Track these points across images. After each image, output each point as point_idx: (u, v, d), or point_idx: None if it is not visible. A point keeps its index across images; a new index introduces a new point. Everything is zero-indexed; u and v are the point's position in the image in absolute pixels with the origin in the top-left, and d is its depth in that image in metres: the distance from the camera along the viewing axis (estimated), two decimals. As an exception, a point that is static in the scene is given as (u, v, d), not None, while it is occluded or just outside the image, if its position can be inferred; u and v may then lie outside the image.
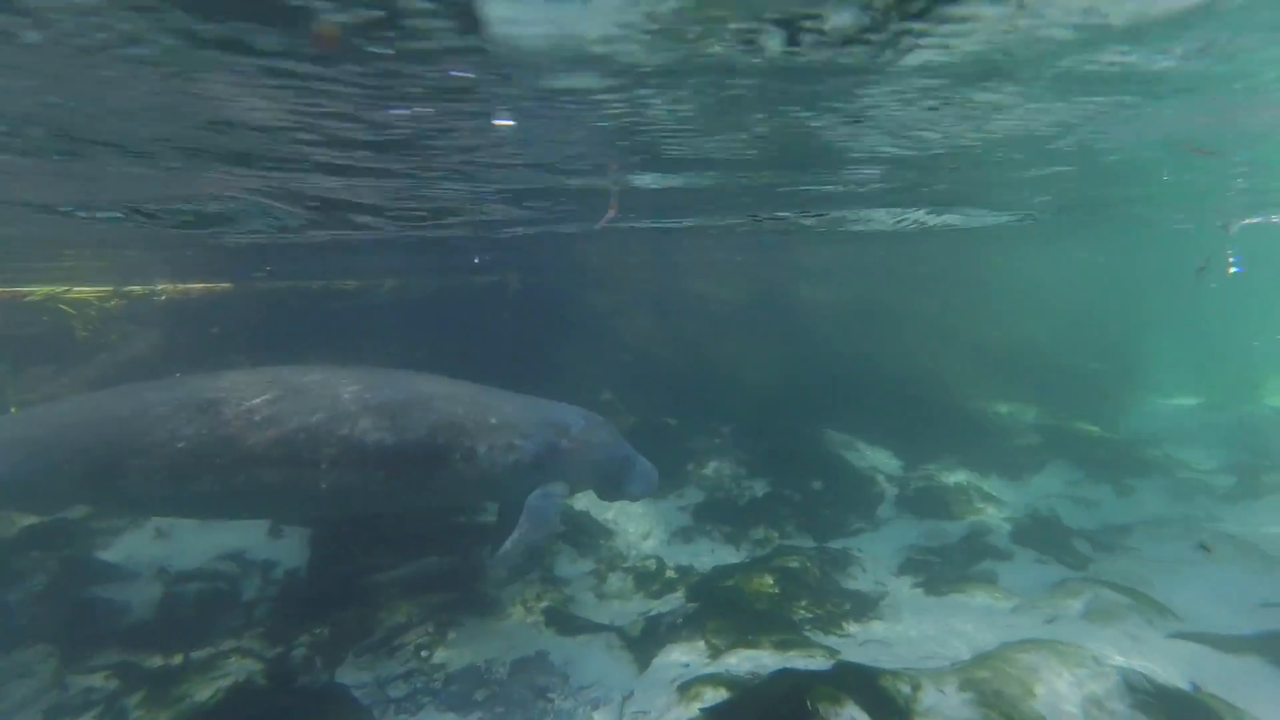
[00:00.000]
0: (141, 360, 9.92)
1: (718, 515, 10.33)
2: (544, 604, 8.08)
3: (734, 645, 6.88)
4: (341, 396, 6.35)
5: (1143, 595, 7.54)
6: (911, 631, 7.39)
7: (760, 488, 11.07)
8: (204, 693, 5.92)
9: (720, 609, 7.65)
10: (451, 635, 7.55)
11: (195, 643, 7.00)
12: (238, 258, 10.08)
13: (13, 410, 9.31)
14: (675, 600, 8.12)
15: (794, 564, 8.70)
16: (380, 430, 6.29)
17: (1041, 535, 9.74)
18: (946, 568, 9.07)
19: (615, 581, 8.73)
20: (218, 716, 5.71)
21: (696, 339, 15.21)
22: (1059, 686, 5.56)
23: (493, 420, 6.88)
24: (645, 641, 7.35)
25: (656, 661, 6.96)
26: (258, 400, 6.18)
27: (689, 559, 9.39)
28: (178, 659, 6.70)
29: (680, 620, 7.50)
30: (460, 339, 12.14)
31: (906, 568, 9.10)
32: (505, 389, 7.68)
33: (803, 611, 7.86)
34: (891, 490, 11.40)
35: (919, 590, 8.47)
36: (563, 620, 7.86)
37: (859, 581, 8.86)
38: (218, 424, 5.98)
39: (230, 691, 5.91)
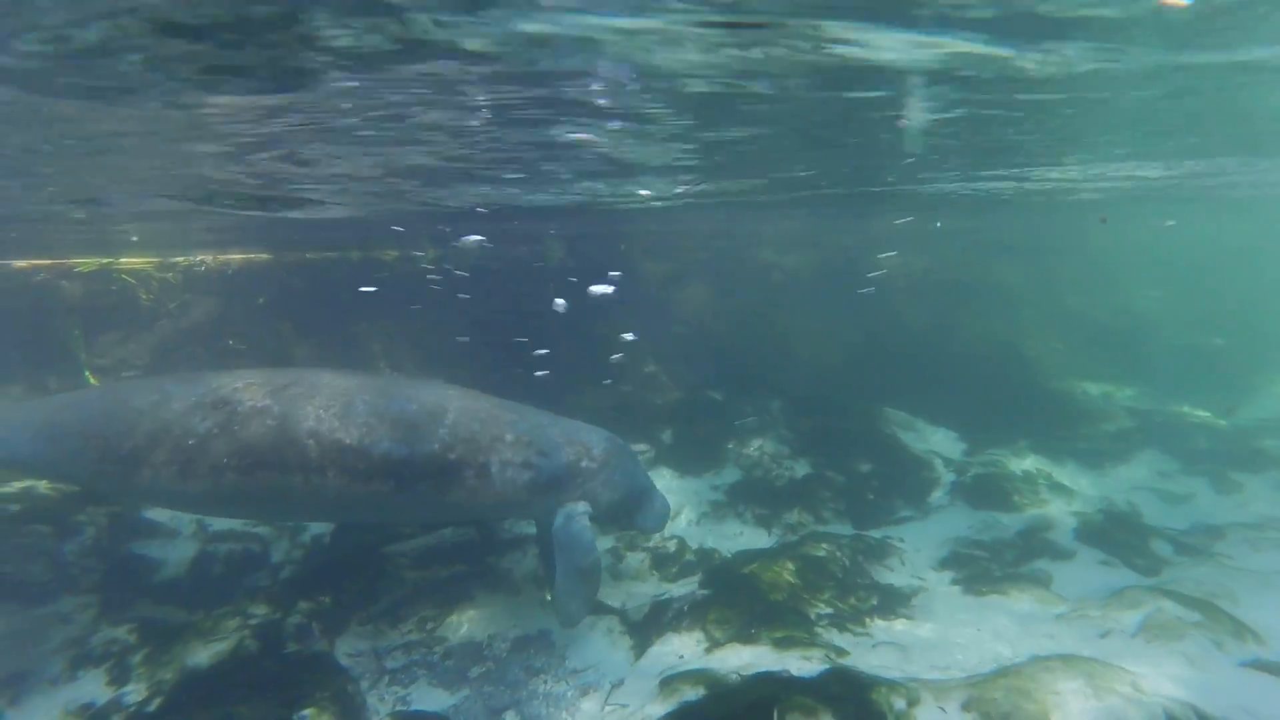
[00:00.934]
0: (199, 327, 10.41)
1: (753, 496, 9.87)
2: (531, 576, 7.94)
3: (733, 639, 6.52)
4: (355, 404, 6.24)
5: (1218, 610, 6.57)
6: (935, 634, 6.78)
7: (802, 469, 10.49)
8: (202, 654, 6.14)
9: (732, 597, 7.27)
10: (459, 608, 7.55)
11: (218, 601, 7.31)
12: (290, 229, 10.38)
13: (88, 376, 10.04)
14: (690, 585, 7.80)
15: (820, 552, 8.18)
16: (392, 441, 6.16)
17: (1113, 534, 8.72)
18: (995, 565, 8.29)
19: (633, 561, 8.50)
20: (209, 678, 5.91)
21: (755, 310, 14.59)
22: (1080, 714, 4.89)
23: (509, 437, 6.70)
24: (647, 627, 7.10)
25: (653, 650, 6.71)
26: (272, 402, 6.12)
27: (715, 541, 9.02)
28: (197, 616, 7.01)
29: (686, 608, 7.19)
30: (502, 312, 12.11)
31: (950, 562, 8.38)
32: (533, 405, 7.53)
33: (822, 605, 7.37)
34: (948, 476, 10.55)
35: (957, 588, 7.77)
36: (572, 599, 7.70)
37: (894, 574, 8.23)
38: (230, 422, 5.97)
39: (226, 655, 6.10)
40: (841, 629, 6.97)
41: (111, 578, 7.56)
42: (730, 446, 11.02)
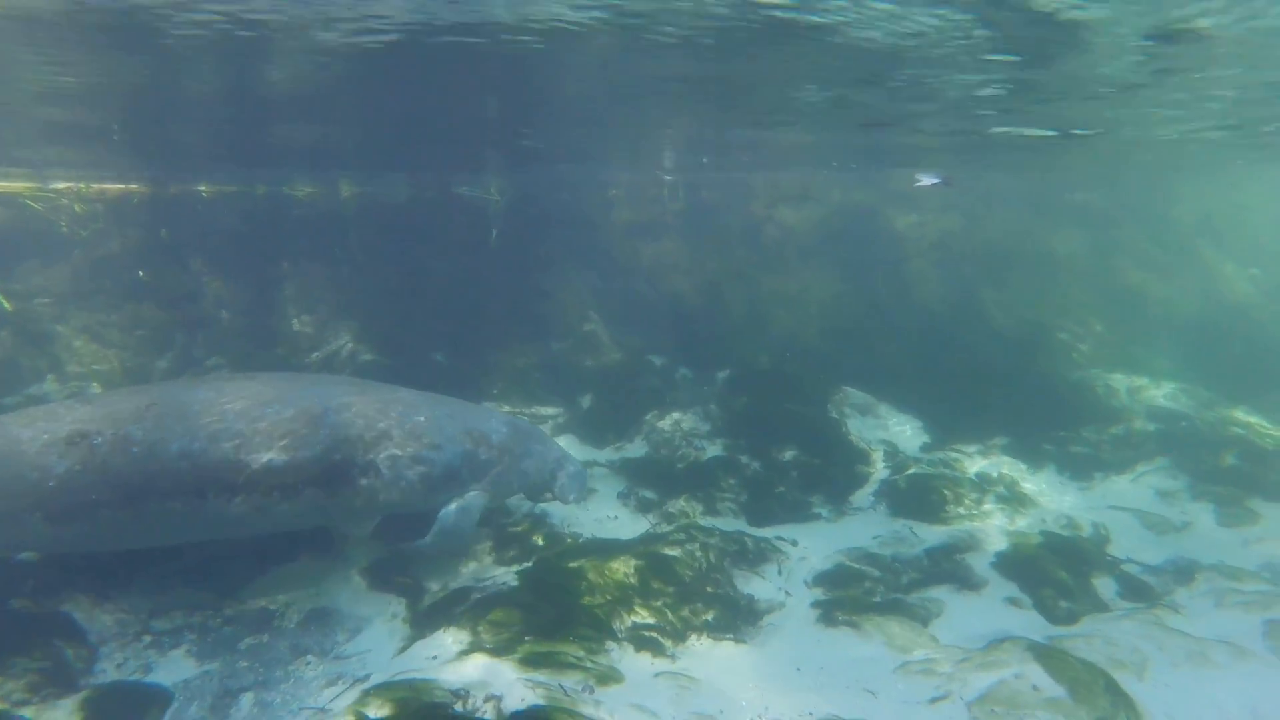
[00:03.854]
0: (114, 258, 10.32)
1: (647, 477, 8.87)
2: (386, 553, 7.35)
3: (492, 647, 5.69)
4: (227, 416, 5.99)
5: (1101, 685, 5.12)
6: (745, 667, 5.71)
7: (714, 450, 9.34)
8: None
9: (532, 596, 6.43)
10: (274, 570, 7.12)
11: None
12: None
13: (2, 301, 10.18)
14: (510, 575, 7.00)
15: (676, 551, 7.15)
16: (270, 450, 5.97)
17: (1047, 564, 7.16)
18: (881, 587, 6.99)
19: (475, 541, 7.75)
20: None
21: (736, 271, 13.21)
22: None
23: (398, 433, 6.52)
24: (433, 617, 6.38)
25: (416, 647, 5.99)
26: (134, 428, 5.76)
27: (581, 524, 8.14)
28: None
29: (476, 602, 6.41)
30: (436, 259, 11.41)
31: (830, 578, 7.14)
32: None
33: (644, 613, 6.41)
34: (884, 473, 9.10)
35: (817, 611, 6.57)
36: (387, 576, 7.09)
37: (761, 585, 7.11)
38: (91, 458, 5.60)
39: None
40: (642, 647, 6.00)
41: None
42: (648, 418, 9.99)
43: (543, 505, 8.14)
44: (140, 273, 10.26)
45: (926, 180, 11.61)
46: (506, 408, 9.99)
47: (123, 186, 10.33)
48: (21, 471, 5.55)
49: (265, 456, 5.94)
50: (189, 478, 5.73)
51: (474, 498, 6.94)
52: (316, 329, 10.49)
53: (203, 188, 9.85)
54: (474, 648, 5.72)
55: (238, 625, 6.49)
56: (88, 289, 10.09)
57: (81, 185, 10.37)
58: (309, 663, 6.10)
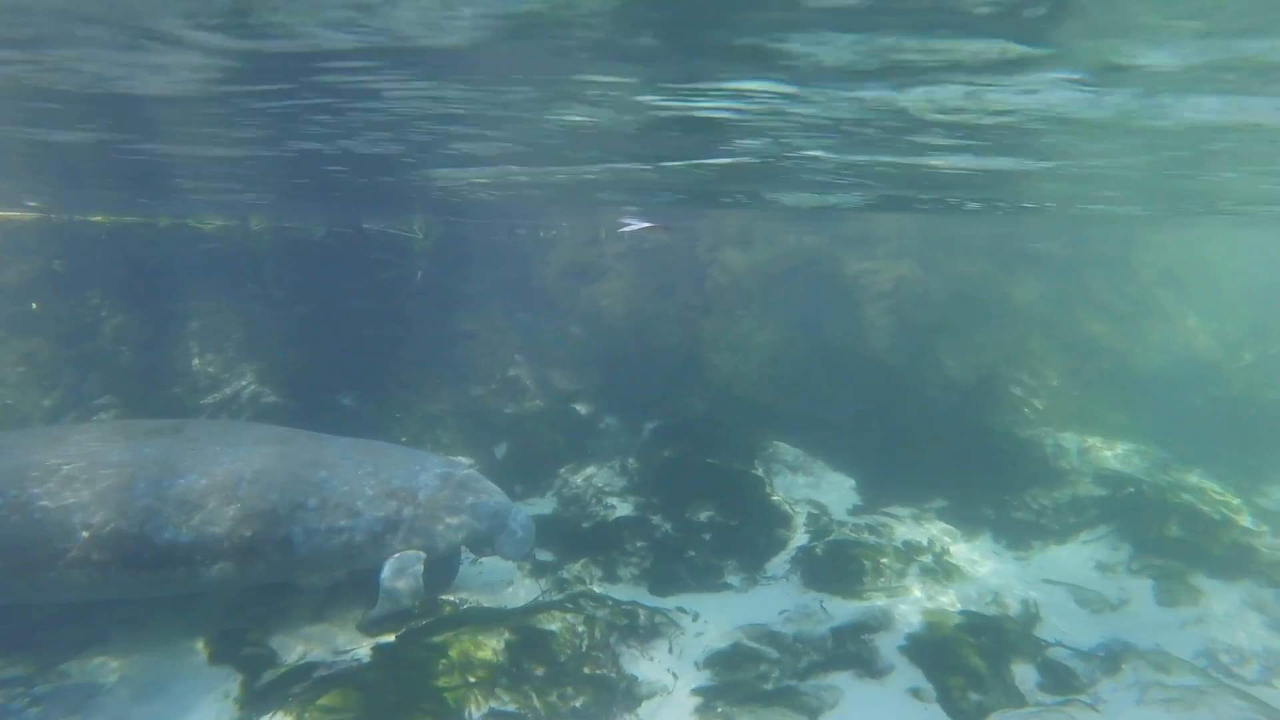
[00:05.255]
0: (8, 288, 9.79)
1: (550, 538, 8.25)
2: (233, 624, 6.69)
3: (310, 742, 5.03)
4: (135, 486, 5.86)
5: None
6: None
7: (625, 509, 8.74)
8: None
9: (387, 674, 5.79)
10: (119, 635, 6.46)
11: None
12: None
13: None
14: (366, 650, 6.34)
15: (555, 625, 6.51)
16: (175, 526, 5.86)
17: (962, 647, 6.53)
18: (776, 671, 6.34)
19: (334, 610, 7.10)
20: None
21: (677, 315, 12.75)
22: None
23: (311, 502, 6.36)
24: (262, 700, 5.71)
25: (234, 736, 5.33)
26: (38, 490, 5.70)
27: (470, 590, 7.50)
28: None
29: (317, 680, 5.76)
30: (355, 299, 10.91)
31: (724, 659, 6.50)
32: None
33: (505, 697, 5.76)
34: (804, 538, 8.50)
35: (697, 700, 5.92)
36: (235, 647, 6.43)
37: (648, 665, 6.47)
38: None
39: None
40: (489, 743, 5.34)
41: None
42: (561, 472, 9.40)
43: (485, 559, 7.70)
44: (33, 304, 9.72)
45: (636, 224, 11.22)
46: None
47: (18, 215, 9.87)
48: None
49: (170, 534, 5.83)
50: (94, 552, 5.67)
51: (408, 558, 6.67)
52: (220, 368, 9.94)
53: (98, 218, 9.42)
54: (290, 745, 5.06)
55: (47, 705, 5.81)
56: (-25, 321, 9.55)
57: (-22, 212, 9.91)
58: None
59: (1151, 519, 9.01)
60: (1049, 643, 6.94)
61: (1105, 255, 17.19)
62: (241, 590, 6.89)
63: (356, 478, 6.65)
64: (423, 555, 6.74)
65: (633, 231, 10.93)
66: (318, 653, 6.47)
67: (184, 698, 5.91)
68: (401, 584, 6.58)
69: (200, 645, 6.43)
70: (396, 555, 6.65)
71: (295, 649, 6.56)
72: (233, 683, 6.00)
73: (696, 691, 6.01)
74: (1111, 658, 6.64)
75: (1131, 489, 9.76)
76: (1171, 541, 8.59)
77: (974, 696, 6.01)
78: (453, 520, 6.90)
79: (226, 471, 6.19)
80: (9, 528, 5.53)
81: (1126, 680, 6.24)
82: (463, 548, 7.23)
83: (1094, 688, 6.22)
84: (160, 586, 5.99)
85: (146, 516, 5.79)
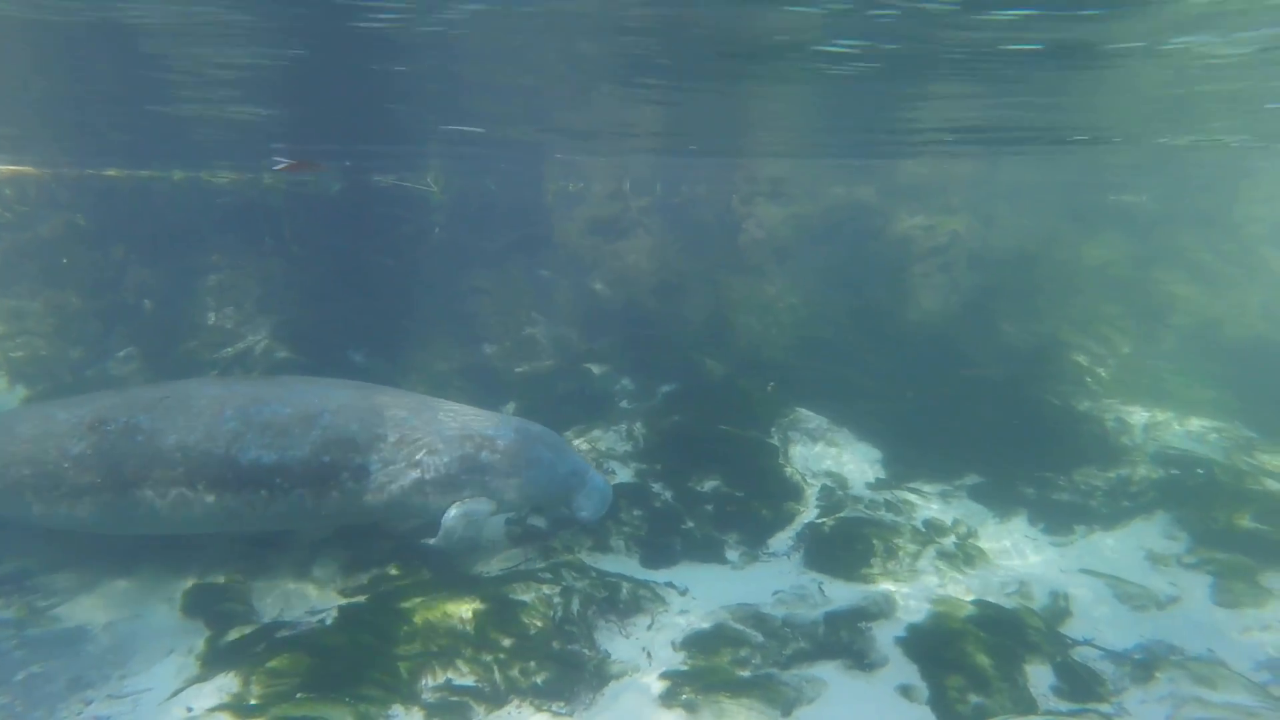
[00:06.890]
0: (44, 244, 10.09)
1: (544, 502, 7.94)
2: (216, 577, 6.70)
3: (248, 705, 4.91)
4: (224, 412, 6.26)
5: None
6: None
7: (626, 474, 8.34)
8: None
9: (348, 638, 5.66)
10: (107, 583, 6.58)
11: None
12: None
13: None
14: (331, 612, 6.22)
15: (527, 595, 6.23)
16: (260, 448, 6.17)
17: (971, 643, 5.88)
18: (759, 657, 5.87)
19: (319, 569, 7.02)
20: None
21: (705, 273, 12.11)
22: None
23: (392, 436, 6.47)
24: (223, 658, 5.66)
25: (187, 693, 5.29)
26: (143, 417, 6.23)
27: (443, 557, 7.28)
28: None
29: (278, 639, 5.67)
30: (371, 254, 10.76)
31: (704, 640, 6.07)
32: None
33: (465, 669, 5.54)
34: (813, 514, 7.90)
35: (665, 684, 5.53)
36: (212, 601, 6.44)
37: (624, 642, 6.12)
38: (102, 443, 6.12)
39: None
40: (437, 713, 5.13)
41: None
42: (568, 434, 9.06)
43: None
44: (64, 260, 9.96)
45: (283, 162, 10.27)
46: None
47: (51, 171, 10.10)
48: (47, 450, 6.13)
49: (254, 454, 6.12)
50: (181, 470, 6.06)
51: (478, 504, 6.61)
52: (237, 323, 10.01)
53: (112, 171, 9.52)
54: (236, 701, 4.97)
55: (33, 649, 5.95)
56: (13, 276, 9.89)
57: (9, 169, 10.20)
58: (89, 701, 5.48)
59: (1221, 506, 7.95)
60: (1076, 641, 6.20)
61: (1204, 209, 15.40)
62: (234, 539, 6.96)
63: (437, 420, 6.70)
64: (493, 505, 6.68)
65: (280, 170, 10.25)
66: (295, 612, 6.41)
67: (154, 650, 5.93)
68: (467, 531, 6.56)
69: (179, 596, 6.47)
70: (466, 500, 6.59)
71: (275, 607, 6.53)
72: (199, 639, 5.99)
73: (666, 675, 5.61)
74: (1147, 662, 5.85)
75: (1201, 471, 8.67)
76: (1242, 533, 7.56)
77: (974, 698, 5.39)
78: (530, 473, 6.78)
79: (312, 403, 6.44)
80: (110, 447, 6.08)
81: (1159, 691, 5.48)
82: (525, 507, 7.18)
83: (1119, 697, 5.49)
84: (242, 514, 6.22)
85: (232, 439, 6.11)
